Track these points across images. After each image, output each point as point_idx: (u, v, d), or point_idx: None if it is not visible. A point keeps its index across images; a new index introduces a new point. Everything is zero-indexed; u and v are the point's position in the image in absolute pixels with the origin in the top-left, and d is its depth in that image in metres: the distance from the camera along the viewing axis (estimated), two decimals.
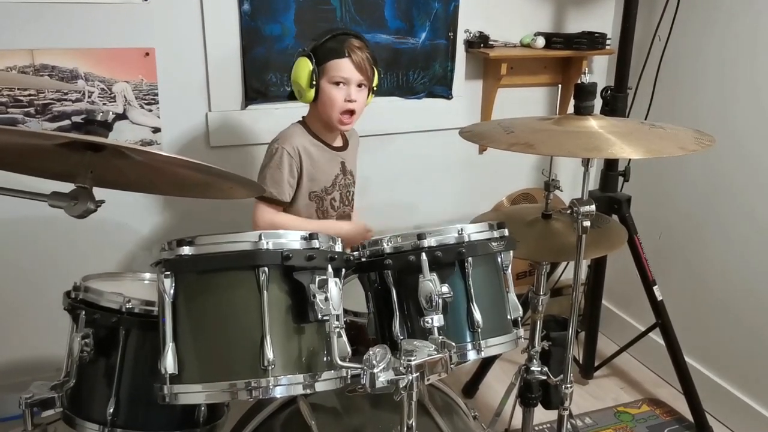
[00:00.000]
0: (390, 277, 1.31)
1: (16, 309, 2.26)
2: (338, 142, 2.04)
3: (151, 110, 2.24)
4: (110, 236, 2.31)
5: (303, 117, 2.01)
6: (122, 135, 2.20)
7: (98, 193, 1.27)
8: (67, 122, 2.15)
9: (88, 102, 2.16)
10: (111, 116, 2.13)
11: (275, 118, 2.06)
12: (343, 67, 1.86)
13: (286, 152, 1.89)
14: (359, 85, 1.89)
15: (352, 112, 1.92)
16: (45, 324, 1.91)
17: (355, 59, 1.86)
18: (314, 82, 1.85)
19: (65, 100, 2.13)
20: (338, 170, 2.02)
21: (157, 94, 2.24)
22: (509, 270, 1.39)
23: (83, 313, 1.40)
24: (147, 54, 2.19)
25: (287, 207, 1.95)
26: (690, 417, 2.38)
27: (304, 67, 1.85)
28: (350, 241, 1.95)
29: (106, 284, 1.51)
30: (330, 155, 1.99)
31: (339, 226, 2.00)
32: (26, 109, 2.10)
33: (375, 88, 1.97)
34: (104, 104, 2.17)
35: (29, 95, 2.10)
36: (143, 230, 2.37)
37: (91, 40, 2.11)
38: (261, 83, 2.34)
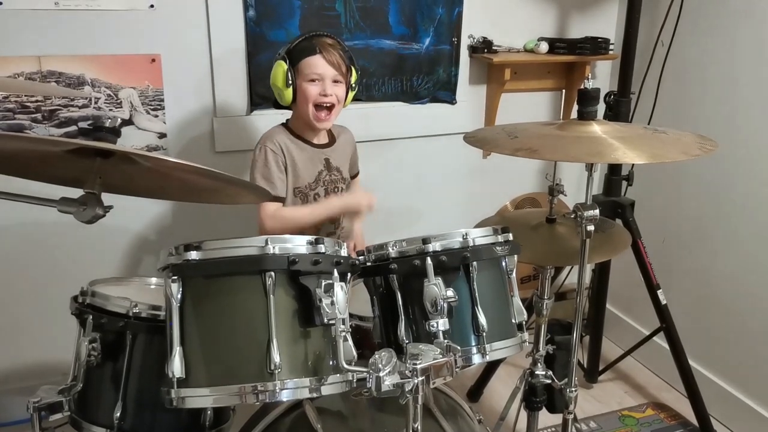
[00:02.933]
0: (395, 282, 1.32)
1: (25, 313, 2.28)
2: (322, 140, 2.06)
3: (157, 116, 2.26)
4: (117, 241, 2.32)
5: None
6: (128, 140, 2.22)
7: (106, 198, 1.28)
8: (73, 128, 2.16)
9: (94, 108, 2.17)
10: (119, 122, 2.14)
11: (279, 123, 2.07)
12: (316, 64, 1.90)
13: (268, 149, 1.94)
14: (334, 81, 1.92)
15: (329, 108, 1.94)
16: (53, 328, 1.92)
17: (326, 56, 1.90)
18: (290, 82, 1.89)
19: (72, 106, 2.15)
20: (321, 167, 2.03)
21: (163, 100, 2.25)
22: (514, 274, 1.40)
23: (90, 317, 1.41)
24: (153, 60, 2.21)
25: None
26: (694, 421, 2.38)
27: (279, 69, 1.90)
28: (353, 208, 1.99)
29: (113, 289, 1.52)
30: (311, 152, 2.02)
31: (338, 198, 2.03)
32: (33, 115, 2.12)
33: (354, 86, 2.00)
34: (111, 110, 2.19)
35: (36, 101, 2.11)
36: (150, 235, 2.38)
37: (97, 46, 2.13)
38: (266, 89, 2.32)
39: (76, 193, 1.25)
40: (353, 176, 2.19)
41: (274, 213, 1.91)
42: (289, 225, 1.91)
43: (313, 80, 1.90)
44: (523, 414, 1.92)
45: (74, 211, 1.20)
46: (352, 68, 1.97)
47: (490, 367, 2.57)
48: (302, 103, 1.93)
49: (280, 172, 1.95)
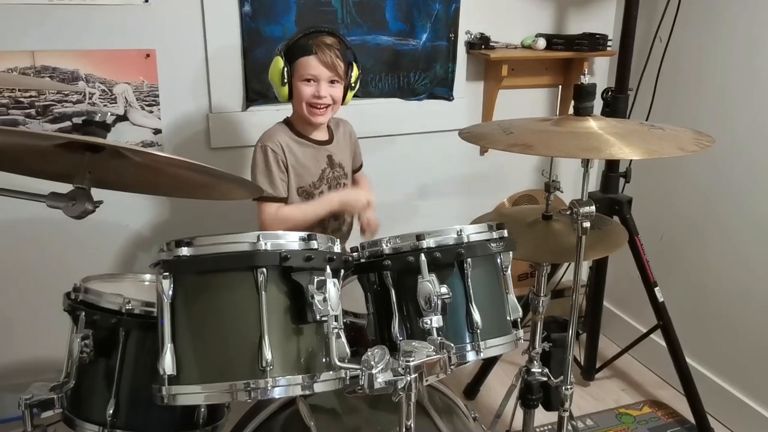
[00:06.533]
0: (389, 278, 1.31)
1: (16, 310, 2.27)
2: (323, 136, 2.03)
3: (152, 111, 2.25)
4: (110, 237, 2.31)
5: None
6: (123, 136, 2.21)
7: (97, 194, 1.27)
8: (67, 123, 2.15)
9: (89, 103, 2.16)
10: (110, 117, 2.13)
11: (276, 120, 2.06)
12: (310, 65, 1.87)
13: (269, 149, 1.91)
14: (330, 82, 1.90)
15: (326, 105, 1.92)
16: (45, 325, 1.91)
17: (321, 57, 1.86)
18: (285, 80, 1.88)
19: (66, 101, 2.14)
20: (325, 164, 2.01)
21: (157, 96, 2.24)
22: (509, 271, 1.38)
23: (83, 314, 1.40)
24: (148, 55, 2.19)
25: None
26: (691, 418, 2.37)
27: (276, 66, 1.88)
28: (352, 204, 1.97)
29: (106, 285, 1.50)
30: (314, 150, 1.99)
31: (337, 193, 2.01)
32: (27, 111, 2.11)
33: (354, 85, 1.96)
34: (105, 105, 2.18)
35: (30, 97, 2.10)
36: (143, 231, 2.37)
37: (92, 41, 2.12)
38: (262, 84, 2.34)
39: (66, 188, 1.24)
40: (356, 169, 2.16)
41: (276, 213, 1.90)
42: (292, 224, 1.90)
43: (307, 80, 1.88)
44: (520, 411, 1.92)
45: (63, 206, 1.19)
46: (354, 66, 1.94)
47: (487, 365, 2.56)
48: (297, 102, 1.92)
49: (281, 171, 1.93)
